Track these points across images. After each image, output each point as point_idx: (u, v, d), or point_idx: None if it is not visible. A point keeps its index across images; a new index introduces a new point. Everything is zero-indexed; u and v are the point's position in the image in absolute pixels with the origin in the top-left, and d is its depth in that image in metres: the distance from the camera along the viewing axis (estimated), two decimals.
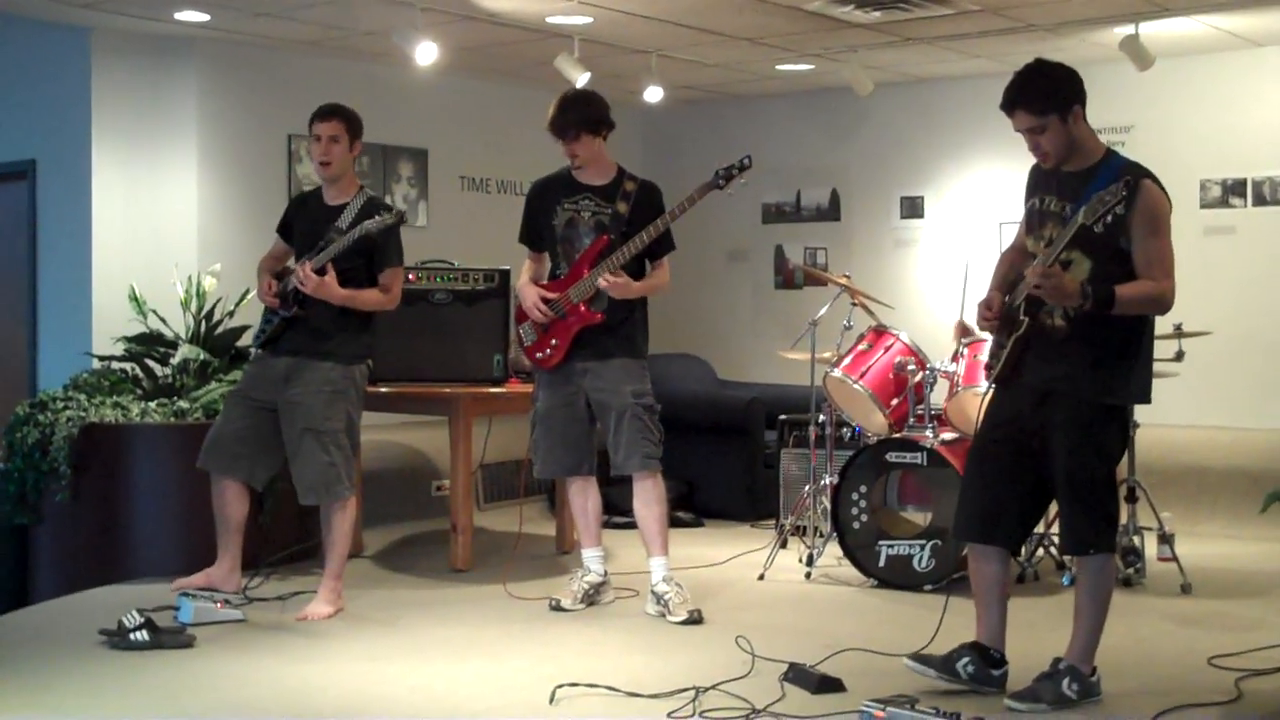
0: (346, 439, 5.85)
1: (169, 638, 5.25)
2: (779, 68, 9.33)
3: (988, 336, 4.93)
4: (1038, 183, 4.67)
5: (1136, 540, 6.50)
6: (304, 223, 5.94)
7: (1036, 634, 5.30)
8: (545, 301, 5.91)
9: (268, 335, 5.93)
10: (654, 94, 9.00)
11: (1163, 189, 4.46)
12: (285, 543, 6.65)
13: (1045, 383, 4.52)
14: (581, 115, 5.84)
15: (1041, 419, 4.53)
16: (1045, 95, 4.45)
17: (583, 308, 5.87)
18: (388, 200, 7.26)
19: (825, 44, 8.48)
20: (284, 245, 6.06)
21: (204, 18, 7.71)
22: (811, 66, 9.24)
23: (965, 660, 4.63)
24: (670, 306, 9.04)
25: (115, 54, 8.08)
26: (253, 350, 6.14)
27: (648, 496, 5.91)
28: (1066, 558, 6.37)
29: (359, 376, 5.93)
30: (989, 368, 4.75)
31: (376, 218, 5.68)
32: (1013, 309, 4.58)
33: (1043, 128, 4.45)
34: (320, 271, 5.69)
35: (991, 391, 4.76)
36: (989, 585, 4.70)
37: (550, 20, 7.83)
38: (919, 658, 4.68)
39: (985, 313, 4.67)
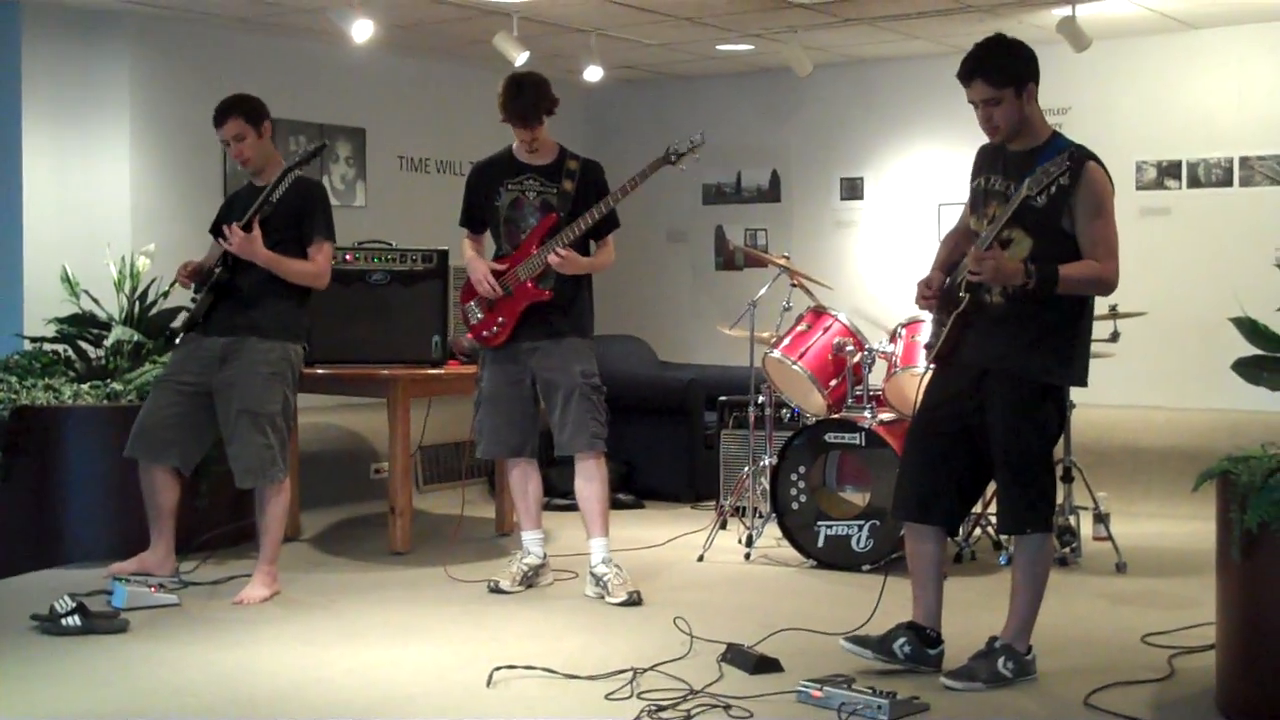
0: (283, 421, 5.80)
1: (102, 622, 5.19)
2: (719, 48, 9.31)
3: (927, 317, 4.94)
4: (983, 163, 4.69)
5: (1072, 520, 6.56)
6: (236, 214, 5.86)
7: (973, 613, 5.34)
8: (494, 276, 5.88)
9: (196, 311, 5.87)
10: (594, 73, 8.96)
11: (1107, 172, 4.49)
12: (222, 525, 6.58)
13: (984, 361, 4.54)
14: (543, 100, 5.82)
15: (980, 398, 4.55)
16: (1005, 68, 4.47)
17: (530, 285, 5.84)
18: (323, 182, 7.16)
19: (765, 24, 8.47)
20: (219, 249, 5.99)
21: None
22: (751, 47, 9.23)
23: (902, 640, 4.65)
24: (611, 287, 9.01)
25: (46, 30, 7.94)
26: (180, 334, 6.05)
27: (590, 477, 5.90)
28: (1004, 537, 6.42)
29: (295, 358, 5.88)
30: (929, 347, 4.77)
31: (298, 159, 5.68)
32: (953, 287, 4.60)
33: (998, 100, 4.47)
34: (247, 230, 5.64)
35: (930, 371, 4.77)
36: (926, 565, 4.72)
37: None
38: (855, 639, 4.70)
39: (925, 291, 4.69)
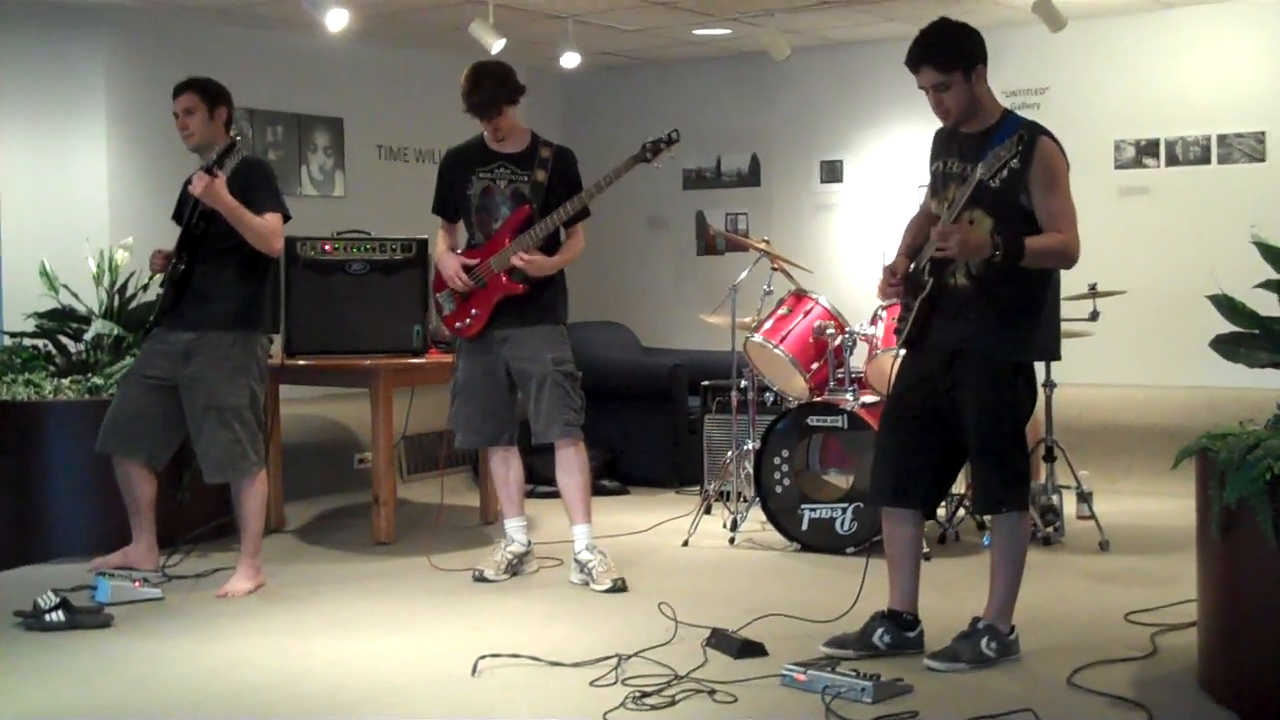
0: (251, 414, 5.78)
1: (86, 617, 5.19)
2: (696, 32, 9.29)
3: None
4: (940, 148, 4.71)
5: (1055, 499, 6.58)
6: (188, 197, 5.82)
7: (956, 593, 5.36)
8: (465, 270, 5.87)
9: (160, 305, 5.86)
10: (571, 60, 8.94)
11: (1059, 146, 4.50)
12: (205, 518, 6.57)
13: (953, 343, 4.55)
14: (500, 90, 5.78)
15: (950, 379, 4.56)
16: (951, 52, 4.49)
17: (504, 278, 5.83)
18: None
19: (742, 8, 8.46)
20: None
21: None
22: (729, 31, 9.21)
23: (880, 631, 4.68)
24: (592, 274, 9.02)
25: (20, 23, 7.90)
26: (148, 327, 6.03)
27: (569, 464, 5.90)
28: (986, 518, 6.44)
29: (260, 350, 5.85)
30: (897, 331, 4.78)
31: (215, 156, 5.63)
32: (918, 271, 4.60)
33: (947, 85, 4.48)
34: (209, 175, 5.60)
35: (901, 355, 4.78)
36: (903, 548, 4.75)
37: None
38: (834, 641, 4.72)
39: (890, 278, 4.70)
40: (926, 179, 4.82)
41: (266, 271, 5.86)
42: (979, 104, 4.54)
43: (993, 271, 4.43)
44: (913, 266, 4.66)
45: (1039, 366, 5.37)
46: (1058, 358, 4.73)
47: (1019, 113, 4.71)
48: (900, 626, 4.69)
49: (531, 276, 5.80)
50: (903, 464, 4.67)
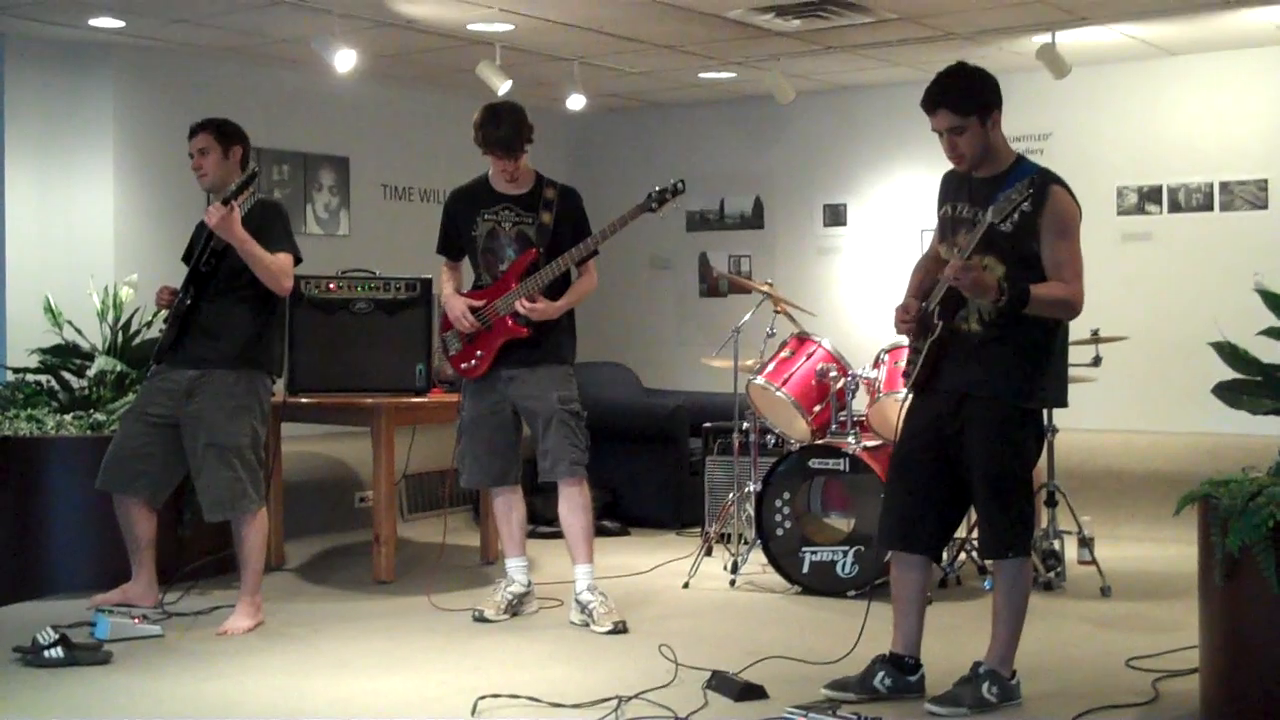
0: (252, 453, 5.77)
1: (85, 654, 5.16)
2: (701, 76, 9.35)
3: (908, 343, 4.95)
4: (949, 191, 4.71)
5: (1056, 544, 6.56)
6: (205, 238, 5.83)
7: (958, 638, 5.34)
8: (472, 311, 5.88)
9: (163, 340, 5.86)
10: (577, 102, 9.00)
11: (1072, 195, 4.50)
12: (206, 555, 6.55)
13: (961, 387, 4.55)
14: (522, 127, 5.82)
15: (959, 423, 4.56)
16: (969, 96, 4.49)
17: (509, 321, 5.84)
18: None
19: (747, 52, 8.52)
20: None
21: (119, 24, 7.61)
22: (733, 74, 9.27)
23: (880, 675, 4.67)
24: (595, 314, 9.02)
25: (29, 61, 7.96)
26: (151, 364, 6.03)
27: (573, 503, 5.89)
28: (988, 562, 6.42)
29: (263, 390, 5.84)
30: (906, 374, 4.78)
31: (233, 189, 5.62)
32: (928, 314, 4.61)
33: (963, 129, 4.48)
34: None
35: (909, 399, 4.78)
36: (910, 593, 4.74)
37: (471, 27, 7.80)
38: (835, 684, 4.69)
39: (902, 316, 4.70)
40: (931, 223, 4.82)
41: (274, 312, 5.87)
42: (993, 149, 4.54)
43: (1004, 317, 4.44)
44: (923, 307, 4.66)
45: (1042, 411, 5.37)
46: (1064, 404, 4.72)
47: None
48: (902, 670, 4.68)
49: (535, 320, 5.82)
50: (911, 509, 4.66)
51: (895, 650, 4.72)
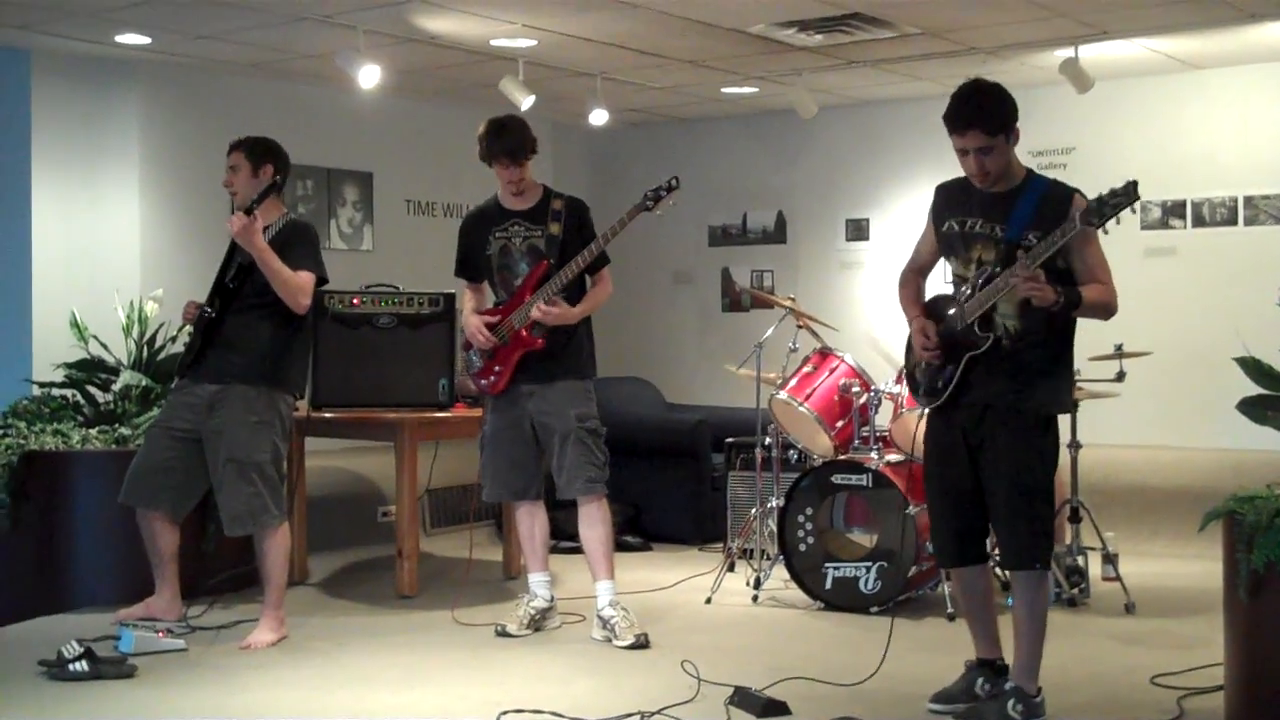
0: (273, 469, 5.79)
1: (109, 668, 5.19)
2: (724, 90, 9.36)
3: None
4: (951, 204, 4.70)
5: (1081, 560, 6.53)
6: (238, 258, 5.85)
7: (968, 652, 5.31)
8: (488, 328, 5.90)
9: (187, 354, 5.89)
10: (599, 117, 9.02)
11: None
12: (230, 569, 6.57)
13: (986, 398, 4.55)
14: (525, 135, 5.87)
15: (981, 434, 4.56)
16: (998, 116, 4.49)
17: (524, 333, 5.86)
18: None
19: (769, 67, 8.52)
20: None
21: (145, 40, 7.66)
22: (756, 89, 9.28)
23: (980, 680, 4.73)
24: (617, 329, 9.04)
25: (56, 77, 8.01)
26: (175, 378, 6.06)
27: (592, 520, 5.90)
28: (1007, 575, 6.40)
29: (284, 406, 5.86)
30: (917, 389, 4.78)
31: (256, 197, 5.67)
32: (965, 328, 4.56)
33: (992, 148, 4.49)
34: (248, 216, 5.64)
35: (929, 414, 4.77)
36: (979, 602, 4.81)
37: (494, 43, 7.83)
38: (940, 696, 4.74)
39: (925, 342, 4.67)
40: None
41: (298, 331, 5.89)
42: (1009, 165, 4.56)
43: (1029, 328, 4.45)
44: (958, 325, 4.60)
45: (1064, 427, 5.37)
46: (1072, 410, 4.75)
47: (1046, 173, 4.72)
48: (995, 672, 4.74)
49: (551, 329, 5.82)
50: (961, 524, 4.71)
51: (983, 656, 4.78)
